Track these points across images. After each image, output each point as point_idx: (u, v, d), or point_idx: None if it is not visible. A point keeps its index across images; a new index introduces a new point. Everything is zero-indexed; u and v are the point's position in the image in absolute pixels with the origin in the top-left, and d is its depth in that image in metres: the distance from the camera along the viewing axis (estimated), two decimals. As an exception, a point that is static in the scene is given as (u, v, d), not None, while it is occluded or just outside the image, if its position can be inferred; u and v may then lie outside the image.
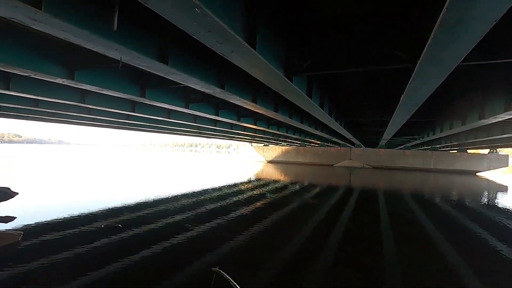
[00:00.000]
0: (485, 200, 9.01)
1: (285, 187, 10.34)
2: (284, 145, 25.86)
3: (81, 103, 5.60)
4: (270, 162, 26.18)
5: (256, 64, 2.93)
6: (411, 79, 3.30)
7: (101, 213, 5.15)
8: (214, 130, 12.23)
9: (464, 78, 4.79)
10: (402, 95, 4.16)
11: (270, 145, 26.62)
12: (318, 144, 21.94)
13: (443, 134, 9.91)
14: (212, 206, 6.15)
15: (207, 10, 1.85)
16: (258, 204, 6.61)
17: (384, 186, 12.07)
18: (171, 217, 4.97)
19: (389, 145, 20.81)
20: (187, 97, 6.15)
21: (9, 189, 6.62)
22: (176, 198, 6.89)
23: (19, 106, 6.21)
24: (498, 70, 4.44)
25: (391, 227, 5.02)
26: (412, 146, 21.95)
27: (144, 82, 4.93)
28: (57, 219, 4.60)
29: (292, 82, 3.68)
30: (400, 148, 22.61)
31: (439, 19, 1.88)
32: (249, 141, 23.00)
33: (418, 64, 2.77)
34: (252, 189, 9.36)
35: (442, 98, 6.33)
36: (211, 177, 12.69)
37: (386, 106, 6.79)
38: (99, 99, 5.77)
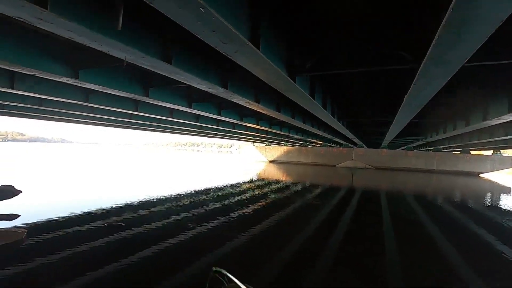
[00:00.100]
0: (488, 201, 8.95)
1: (287, 187, 10.33)
2: (286, 145, 25.84)
3: (85, 102, 5.62)
4: (272, 162, 26.17)
5: (259, 63, 2.93)
6: (415, 80, 3.28)
7: (103, 211, 5.18)
8: (217, 130, 12.24)
9: (468, 78, 4.76)
10: (406, 96, 4.14)
11: (272, 145, 26.61)
12: (320, 144, 21.90)
13: (446, 135, 9.85)
14: (214, 205, 6.16)
15: (212, 10, 1.86)
16: (260, 204, 6.62)
17: (386, 187, 12.03)
18: (173, 216, 4.99)
19: (392, 145, 20.73)
20: (190, 97, 6.16)
21: (13, 187, 6.67)
22: (178, 198, 6.91)
23: (23, 105, 6.25)
24: (503, 71, 4.41)
25: (393, 227, 5.01)
26: (415, 147, 21.84)
27: (147, 81, 4.95)
28: (60, 217, 4.63)
29: (295, 82, 3.67)
30: (403, 149, 22.51)
31: (444, 20, 1.87)
32: (251, 141, 23.00)
33: (422, 64, 2.76)
34: (254, 189, 9.37)
35: (445, 99, 6.30)
36: (212, 176, 12.71)
37: (389, 107, 6.76)
38: (103, 98, 5.79)
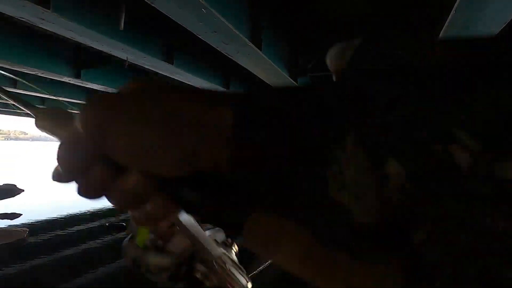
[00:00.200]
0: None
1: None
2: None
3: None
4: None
5: (260, 64, 2.94)
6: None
7: (105, 211, 5.20)
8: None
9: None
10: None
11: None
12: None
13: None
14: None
15: (213, 10, 1.86)
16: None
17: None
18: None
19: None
20: (191, 97, 6.19)
21: (15, 186, 6.71)
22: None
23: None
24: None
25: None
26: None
27: (149, 81, 4.97)
28: (62, 216, 4.66)
29: (296, 83, 3.67)
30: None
31: (447, 21, 1.86)
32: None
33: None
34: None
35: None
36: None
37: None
38: (104, 98, 5.83)
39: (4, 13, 2.12)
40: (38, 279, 2.56)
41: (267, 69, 3.11)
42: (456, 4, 1.69)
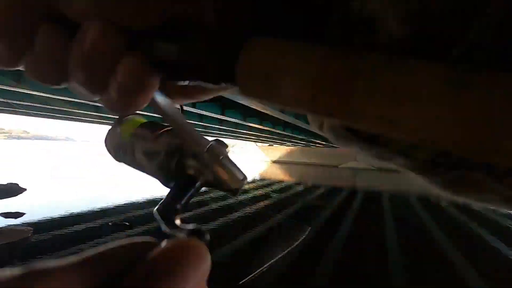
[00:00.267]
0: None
1: (289, 187, 10.34)
2: (289, 146, 25.83)
3: (90, 101, 5.67)
4: (275, 162, 26.19)
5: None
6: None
7: (108, 209, 5.22)
8: (220, 130, 12.28)
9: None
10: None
11: (275, 145, 26.62)
12: (323, 145, 21.87)
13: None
14: (216, 205, 6.17)
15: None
16: (262, 204, 6.62)
17: (389, 188, 11.99)
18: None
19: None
20: (194, 96, 6.19)
21: (17, 185, 6.74)
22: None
23: (29, 104, 6.32)
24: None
25: (396, 228, 4.99)
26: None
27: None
28: (64, 215, 4.67)
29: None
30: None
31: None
32: (254, 141, 23.03)
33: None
34: (256, 188, 9.37)
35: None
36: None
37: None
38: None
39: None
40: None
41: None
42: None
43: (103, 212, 4.97)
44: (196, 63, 0.15)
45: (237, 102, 5.63)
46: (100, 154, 28.26)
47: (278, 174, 15.62)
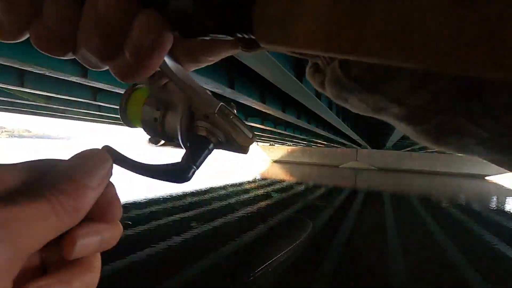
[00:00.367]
0: (494, 205, 8.88)
1: (290, 187, 10.34)
2: (290, 145, 25.82)
3: (92, 100, 5.70)
4: (275, 161, 26.19)
5: (267, 64, 2.95)
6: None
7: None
8: (221, 129, 12.28)
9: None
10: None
11: (276, 145, 26.61)
12: (324, 144, 21.86)
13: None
14: (217, 205, 6.19)
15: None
16: (263, 204, 6.64)
17: (390, 189, 11.98)
18: (178, 215, 5.03)
19: (397, 146, 20.62)
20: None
21: (21, 183, 6.77)
22: (182, 196, 6.96)
23: (32, 103, 6.35)
24: None
25: (396, 229, 5.00)
26: (420, 148, 21.71)
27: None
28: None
29: (302, 83, 3.68)
30: (407, 150, 22.38)
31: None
32: (255, 141, 23.00)
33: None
34: (257, 188, 9.39)
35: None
36: (216, 175, 12.78)
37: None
38: (110, 97, 5.86)
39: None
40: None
41: (273, 69, 3.12)
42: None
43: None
44: (212, 13, 0.14)
45: (238, 102, 5.64)
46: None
47: (279, 174, 15.63)
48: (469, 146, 0.15)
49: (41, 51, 0.16)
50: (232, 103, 0.20)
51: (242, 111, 8.05)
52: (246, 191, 8.49)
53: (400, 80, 0.14)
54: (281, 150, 26.60)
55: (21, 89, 4.81)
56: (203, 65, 0.20)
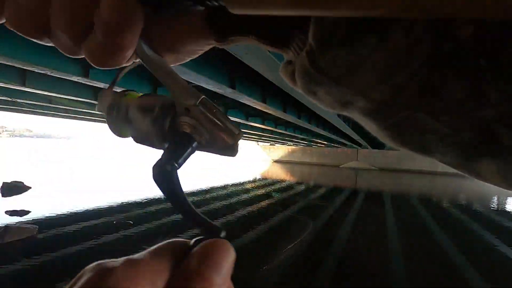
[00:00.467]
0: (495, 205, 8.87)
1: (291, 187, 10.35)
2: (291, 145, 25.82)
3: (93, 100, 5.71)
4: (276, 161, 26.20)
5: (269, 65, 2.96)
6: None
7: (111, 208, 5.26)
8: (222, 129, 12.29)
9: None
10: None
11: (276, 145, 26.61)
12: (324, 144, 21.85)
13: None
14: (218, 204, 6.20)
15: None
16: (263, 203, 6.64)
17: (390, 189, 11.97)
18: (178, 215, 5.04)
19: (397, 147, 20.51)
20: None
21: (22, 183, 6.79)
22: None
23: (33, 102, 6.37)
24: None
25: (397, 228, 5.00)
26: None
27: (156, 80, 5.01)
28: (68, 213, 4.71)
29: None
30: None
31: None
32: (256, 140, 23.04)
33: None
34: (258, 188, 9.40)
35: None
36: (216, 175, 12.78)
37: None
38: (111, 97, 5.88)
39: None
40: (47, 275, 2.61)
41: (274, 69, 3.13)
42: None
43: (106, 211, 5.01)
44: None
45: (239, 102, 5.65)
46: (100, 153, 28.35)
47: (280, 173, 15.63)
48: (431, 144, 0.16)
49: (14, 30, 0.16)
50: (215, 100, 0.19)
51: (243, 111, 8.05)
52: (247, 190, 8.50)
53: (364, 73, 0.14)
54: (281, 150, 26.60)
55: (23, 89, 4.83)
56: (183, 58, 0.20)
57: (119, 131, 0.20)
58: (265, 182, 11.22)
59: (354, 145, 19.51)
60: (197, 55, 0.20)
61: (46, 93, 5.13)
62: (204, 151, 0.17)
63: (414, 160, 22.07)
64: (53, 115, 9.79)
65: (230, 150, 0.17)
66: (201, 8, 0.17)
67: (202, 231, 0.17)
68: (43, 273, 2.63)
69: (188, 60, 0.20)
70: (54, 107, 7.17)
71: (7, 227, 3.43)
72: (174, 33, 0.18)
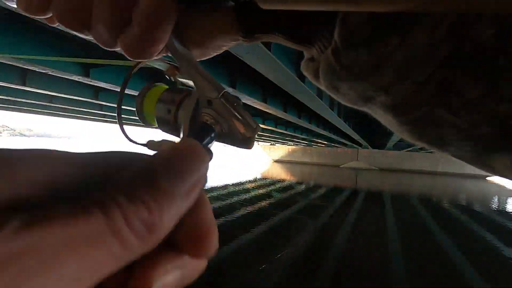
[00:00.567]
0: (496, 206, 8.87)
1: (291, 187, 10.35)
2: (291, 145, 25.81)
3: (94, 99, 5.71)
4: (276, 161, 26.20)
5: (270, 65, 2.96)
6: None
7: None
8: (222, 129, 12.30)
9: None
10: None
11: (276, 145, 26.61)
12: (324, 144, 21.85)
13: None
14: (218, 204, 6.21)
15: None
16: (264, 203, 6.65)
17: (390, 189, 11.97)
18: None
19: (398, 147, 20.58)
20: (197, 96, 6.22)
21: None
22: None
23: (34, 102, 6.37)
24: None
25: (397, 228, 5.00)
26: (421, 148, 21.64)
27: (157, 80, 5.01)
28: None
29: (304, 83, 3.69)
30: (408, 150, 22.34)
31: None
32: (256, 140, 22.97)
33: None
34: (258, 188, 9.40)
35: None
36: (216, 175, 12.80)
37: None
38: (112, 96, 5.88)
39: (15, 12, 2.17)
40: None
41: (276, 70, 3.13)
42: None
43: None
44: None
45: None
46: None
47: (280, 173, 15.64)
48: (448, 138, 0.16)
49: (61, 24, 0.17)
50: (239, 98, 0.20)
51: (243, 111, 8.04)
52: (247, 190, 8.51)
53: (386, 70, 0.15)
54: (281, 150, 26.60)
55: (24, 88, 4.83)
56: (209, 53, 0.21)
57: (145, 119, 0.22)
58: (265, 182, 11.23)
59: (355, 145, 19.51)
60: (222, 51, 0.21)
61: (47, 92, 5.14)
62: (222, 142, 0.18)
63: (414, 160, 22.06)
64: (53, 115, 9.80)
65: (246, 142, 0.18)
66: (231, 3, 0.18)
67: None
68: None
69: (213, 55, 0.21)
70: (54, 106, 7.18)
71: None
72: (205, 28, 0.19)
